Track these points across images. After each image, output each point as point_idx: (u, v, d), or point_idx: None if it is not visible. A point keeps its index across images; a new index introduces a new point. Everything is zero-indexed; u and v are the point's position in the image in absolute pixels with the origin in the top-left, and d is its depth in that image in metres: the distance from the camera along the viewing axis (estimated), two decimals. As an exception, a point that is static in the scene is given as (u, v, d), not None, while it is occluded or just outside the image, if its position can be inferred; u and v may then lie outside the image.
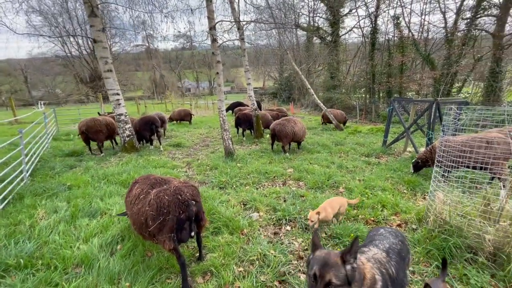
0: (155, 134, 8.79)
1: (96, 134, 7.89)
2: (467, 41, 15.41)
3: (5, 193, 4.50)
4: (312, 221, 3.43)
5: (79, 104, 39.62)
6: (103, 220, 3.94)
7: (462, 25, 16.12)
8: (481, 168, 4.32)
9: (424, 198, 4.73)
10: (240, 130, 10.88)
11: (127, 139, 8.10)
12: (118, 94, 7.83)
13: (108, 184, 5.44)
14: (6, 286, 2.60)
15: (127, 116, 8.15)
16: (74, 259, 3.05)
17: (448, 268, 2.77)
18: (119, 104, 7.88)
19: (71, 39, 43.79)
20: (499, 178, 4.12)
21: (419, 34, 18.96)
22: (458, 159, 3.59)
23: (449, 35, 16.13)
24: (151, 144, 9.04)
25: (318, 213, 3.48)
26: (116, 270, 2.86)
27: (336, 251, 1.59)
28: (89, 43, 45.01)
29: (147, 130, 8.61)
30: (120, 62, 47.23)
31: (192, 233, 2.79)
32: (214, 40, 6.59)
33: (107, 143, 9.31)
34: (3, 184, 4.51)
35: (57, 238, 3.45)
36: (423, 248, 3.07)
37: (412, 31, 18.72)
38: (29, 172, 5.78)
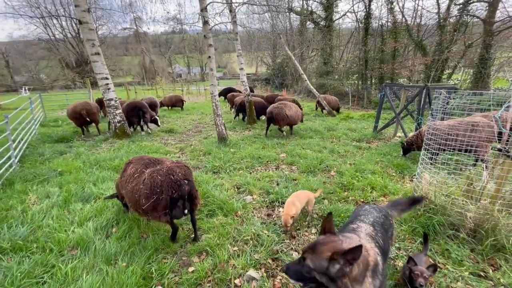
0: (142, 120, 8.65)
1: (93, 116, 8.64)
2: (459, 27, 15.48)
3: (-6, 179, 4.42)
4: (288, 226, 3.20)
5: (66, 90, 38.29)
6: (97, 204, 3.95)
7: (454, 11, 16.12)
8: (466, 151, 4.48)
9: (412, 180, 4.90)
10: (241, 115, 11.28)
11: (118, 124, 7.97)
12: (107, 78, 7.61)
13: (100, 169, 5.40)
14: (2, 268, 2.61)
15: (117, 101, 7.97)
16: (69, 241, 3.08)
17: (431, 244, 2.95)
18: (109, 89, 7.68)
19: (54, 21, 41.73)
20: (482, 160, 4.31)
21: (412, 20, 18.91)
22: (444, 142, 3.71)
23: (441, 20, 16.13)
24: (142, 129, 8.92)
25: (292, 217, 3.19)
26: (112, 251, 2.91)
27: (336, 243, 1.53)
28: (74, 25, 42.99)
29: (134, 116, 8.47)
30: (107, 46, 45.45)
31: (186, 211, 2.92)
32: (205, 22, 6.41)
33: (93, 129, 9.46)
34: (-9, 170, 4.43)
35: (51, 222, 3.45)
36: (409, 226, 3.23)
37: (405, 16, 18.62)
38: (17, 158, 5.67)
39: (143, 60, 54.14)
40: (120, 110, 8.04)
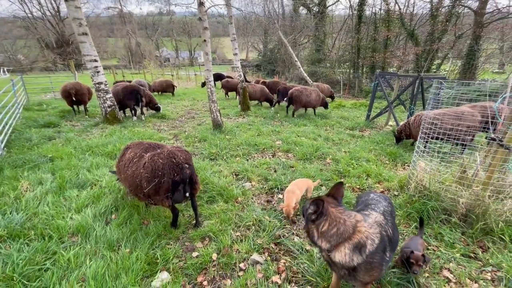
0: (139, 103, 8.45)
1: (83, 97, 8.93)
2: (450, 18, 15.63)
3: (-20, 164, 4.23)
4: (291, 216, 3.27)
5: (46, 72, 36.35)
6: (93, 191, 3.87)
7: (447, 1, 16.22)
8: (454, 138, 4.68)
9: (404, 168, 5.07)
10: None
11: (108, 109, 7.70)
12: (96, 60, 7.25)
13: (93, 155, 5.26)
14: (1, 255, 2.55)
15: (107, 85, 7.67)
16: (69, 228, 3.03)
17: (425, 228, 3.09)
18: (98, 72, 7.35)
19: (31, -3, 38.87)
20: (464, 145, 4.62)
21: (405, 8, 18.90)
22: (431, 130, 3.83)
23: (434, 10, 16.21)
24: (135, 114, 8.68)
25: (294, 207, 3.25)
26: (114, 237, 2.89)
27: (312, 199, 1.81)
28: (53, 2, 40.30)
29: (132, 99, 8.24)
30: (90, 26, 43.01)
31: (187, 194, 2.95)
32: (201, 4, 6.15)
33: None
34: (-23, 156, 4.22)
35: (47, 209, 3.37)
36: (404, 212, 3.37)
37: (398, 4, 18.58)
38: (3, 143, 5.41)
39: (129, 42, 51.74)
40: (111, 95, 7.75)
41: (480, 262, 2.64)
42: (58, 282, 2.32)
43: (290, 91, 9.30)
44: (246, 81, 15.50)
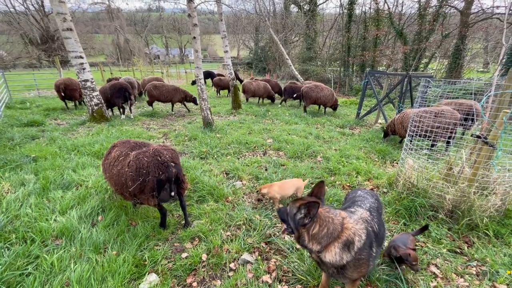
0: (128, 101, 8.28)
1: (73, 92, 9.21)
2: (437, 18, 15.96)
3: (-42, 165, 4.03)
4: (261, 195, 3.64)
5: (30, 68, 35.15)
6: (79, 192, 3.75)
7: (434, 1, 16.54)
8: (436, 135, 4.82)
9: (393, 165, 5.15)
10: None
11: (95, 107, 7.49)
12: (81, 57, 7.02)
13: (79, 155, 5.11)
14: (-21, 260, 2.44)
15: (94, 82, 7.45)
16: (52, 231, 2.93)
17: (413, 224, 3.15)
18: (84, 69, 7.13)
19: (13, -10, 37.38)
20: (447, 142, 4.76)
21: (394, 8, 19.17)
22: (416, 128, 3.90)
23: (421, 10, 16.50)
24: (123, 112, 8.49)
25: (263, 193, 3.56)
26: (100, 239, 2.81)
27: (299, 202, 1.75)
28: (36, -3, 38.85)
29: (120, 97, 8.06)
30: (76, 22, 41.75)
31: (172, 193, 2.89)
32: (190, 0, 6.04)
33: (81, 111, 9.50)
34: (-46, 156, 4.02)
35: (29, 211, 3.24)
36: (393, 209, 3.41)
37: (388, 3, 18.83)
38: (-17, 143, 5.19)
39: (117, 39, 50.50)
40: (98, 93, 7.54)
41: (465, 257, 2.70)
42: (40, 287, 2.23)
43: (302, 88, 9.62)
44: (238, 79, 15.43)
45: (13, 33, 39.64)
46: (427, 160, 3.81)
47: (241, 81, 15.30)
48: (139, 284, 2.36)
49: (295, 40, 27.38)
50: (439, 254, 2.72)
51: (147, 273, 2.48)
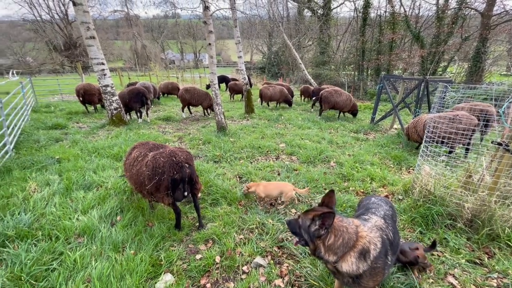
0: (145, 105, 8.60)
1: (92, 97, 9.70)
2: (457, 20, 15.50)
3: (-10, 165, 4.33)
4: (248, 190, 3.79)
5: (54, 74, 36.97)
6: (99, 192, 3.93)
7: (453, 3, 16.10)
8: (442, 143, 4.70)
9: (409, 172, 5.03)
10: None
11: (114, 111, 7.81)
12: (103, 63, 7.37)
13: (99, 157, 5.34)
14: (10, 255, 2.61)
15: (114, 88, 7.78)
16: (75, 229, 3.08)
17: (430, 233, 3.07)
18: (105, 75, 7.46)
19: (40, 0, 39.69)
20: (466, 149, 4.62)
21: (411, 11, 18.81)
22: (434, 134, 3.81)
23: (440, 12, 16.10)
24: (140, 116, 8.79)
25: (249, 189, 3.77)
26: (119, 239, 2.93)
27: (312, 213, 1.74)
28: (61, 6, 41.03)
29: (138, 102, 8.37)
30: (97, 29, 43.57)
31: (186, 193, 3.01)
32: (206, 8, 6.22)
33: (100, 115, 9.89)
34: (-13, 157, 4.32)
35: (54, 210, 3.43)
36: (408, 216, 3.34)
37: (404, 6, 18.50)
38: (12, 145, 5.53)
39: (135, 45, 52.33)
40: (117, 97, 7.86)
41: (485, 269, 2.60)
42: (64, 283, 2.36)
43: (321, 92, 9.78)
44: (250, 84, 15.60)
45: (39, 40, 42.02)
46: (445, 167, 3.71)
47: (251, 85, 15.48)
48: (155, 283, 2.44)
49: (308, 44, 27.34)
50: (457, 265, 2.64)
51: (163, 272, 2.56)
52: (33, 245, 2.80)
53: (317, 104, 11.85)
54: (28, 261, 2.50)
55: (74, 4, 6.75)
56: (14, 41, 43.23)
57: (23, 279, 2.34)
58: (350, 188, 4.24)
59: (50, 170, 4.64)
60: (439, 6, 16.30)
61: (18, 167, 4.68)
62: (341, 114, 10.31)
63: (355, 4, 20.66)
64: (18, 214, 3.27)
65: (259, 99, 12.44)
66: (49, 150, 5.62)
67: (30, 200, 3.60)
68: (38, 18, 41.43)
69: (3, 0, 36.55)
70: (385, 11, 19.32)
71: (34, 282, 2.35)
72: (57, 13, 41.94)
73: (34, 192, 3.91)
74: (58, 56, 41.81)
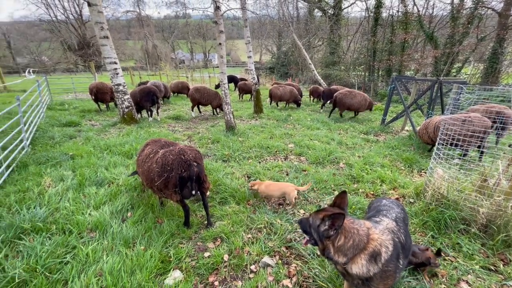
0: (155, 104, 8.72)
1: (104, 95, 9.95)
2: (472, 20, 15.07)
3: (8, 160, 4.48)
4: (252, 187, 3.84)
5: (68, 73, 37.99)
6: (110, 189, 4.01)
7: (468, 2, 15.66)
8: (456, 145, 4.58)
9: (421, 174, 4.93)
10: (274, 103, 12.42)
11: (126, 110, 7.96)
12: (115, 63, 7.53)
13: (111, 154, 5.45)
14: (26, 247, 2.70)
15: (126, 87, 7.93)
16: (87, 224, 3.16)
17: (442, 237, 3.00)
18: (117, 74, 7.62)
19: (56, 1, 40.87)
20: (481, 152, 4.48)
21: (424, 10, 18.40)
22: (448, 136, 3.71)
23: (454, 12, 15.68)
24: (151, 115, 8.93)
25: (252, 187, 3.83)
26: (130, 235, 2.99)
27: (322, 213, 1.74)
28: (76, 7, 42.12)
29: (149, 100, 8.50)
30: (109, 29, 44.47)
31: (193, 192, 3.03)
32: (217, 8, 6.27)
33: (112, 113, 10.26)
34: (5, 153, 4.47)
35: (68, 205, 3.52)
36: (420, 220, 3.27)
37: (417, 5, 18.12)
38: (29, 141, 5.71)
39: (146, 44, 53.17)
40: (128, 96, 8.01)
41: (501, 276, 2.52)
42: (77, 275, 2.43)
43: (335, 94, 9.68)
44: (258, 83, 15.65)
45: (54, 40, 43.25)
46: (459, 170, 3.61)
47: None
48: (165, 279, 2.48)
49: (318, 44, 27.14)
50: (471, 271, 2.57)
51: (172, 269, 2.60)
52: (48, 238, 2.89)
53: (327, 104, 11.81)
54: (43, 254, 2.57)
55: (89, 4, 6.92)
56: (30, 40, 44.69)
57: (38, 271, 2.42)
58: (360, 190, 4.18)
59: (64, 166, 4.77)
60: (454, 6, 15.87)
61: (34, 162, 4.84)
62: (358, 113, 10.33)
63: (366, 4, 20.38)
64: (34, 208, 3.38)
65: (268, 99, 12.44)
66: (63, 147, 5.78)
67: (45, 195, 3.71)
68: (54, 19, 42.67)
69: (21, 0, 37.26)
70: (398, 11, 18.97)
71: (49, 274, 2.42)
72: (72, 14, 43.11)
73: (49, 187, 4.03)
74: (72, 56, 42.96)
